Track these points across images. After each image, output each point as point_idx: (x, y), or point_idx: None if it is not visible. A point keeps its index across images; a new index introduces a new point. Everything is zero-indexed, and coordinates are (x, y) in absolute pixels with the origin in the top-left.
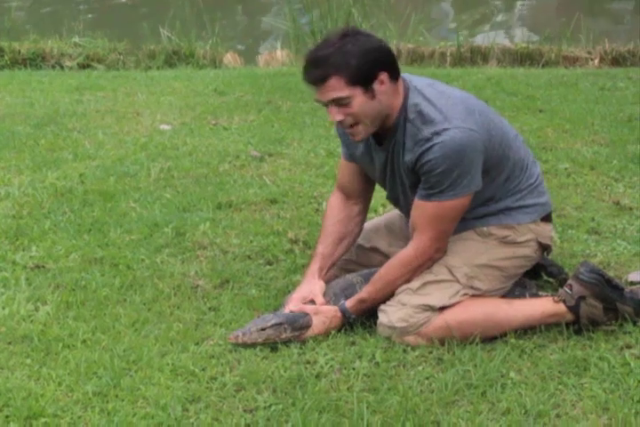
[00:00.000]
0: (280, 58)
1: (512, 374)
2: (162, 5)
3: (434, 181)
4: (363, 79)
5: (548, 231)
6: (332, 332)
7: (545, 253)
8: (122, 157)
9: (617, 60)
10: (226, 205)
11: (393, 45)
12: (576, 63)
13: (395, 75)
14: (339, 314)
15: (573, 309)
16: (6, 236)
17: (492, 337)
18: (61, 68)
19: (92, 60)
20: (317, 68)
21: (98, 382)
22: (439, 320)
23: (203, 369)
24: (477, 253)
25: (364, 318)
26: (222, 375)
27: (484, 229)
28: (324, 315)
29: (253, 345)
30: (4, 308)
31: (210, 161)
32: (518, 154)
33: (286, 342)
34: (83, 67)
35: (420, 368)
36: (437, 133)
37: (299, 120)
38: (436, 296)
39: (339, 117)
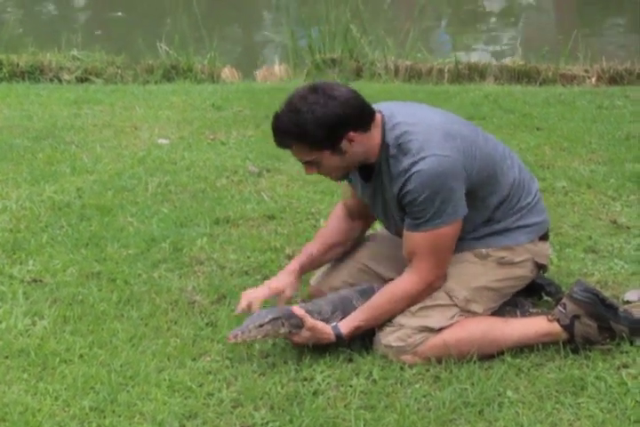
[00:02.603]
0: (278, 73)
1: (509, 393)
2: (159, 19)
3: (417, 211)
4: (326, 144)
5: (545, 250)
6: (329, 348)
7: (541, 272)
8: (119, 172)
9: (614, 79)
10: (223, 220)
11: (391, 62)
12: (573, 81)
13: (365, 126)
14: (332, 336)
15: (568, 328)
16: (3, 249)
17: (488, 355)
18: (59, 81)
19: (89, 74)
20: (279, 137)
21: (95, 398)
22: (436, 339)
23: (200, 385)
24: (475, 275)
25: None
26: (219, 391)
27: (483, 251)
28: (316, 330)
29: (253, 342)
30: (0, 322)
31: (207, 176)
32: (509, 174)
33: (283, 359)
34: (81, 80)
35: (418, 386)
36: (415, 163)
37: None
38: (435, 318)
39: (312, 172)
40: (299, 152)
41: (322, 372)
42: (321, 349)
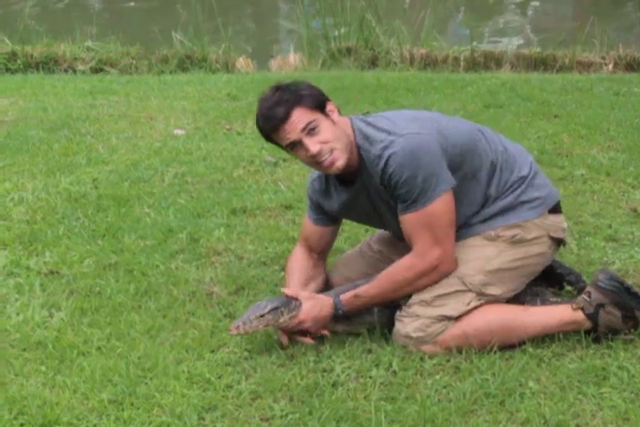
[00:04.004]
0: (293, 62)
1: (531, 384)
2: (174, 9)
3: (403, 193)
4: (319, 105)
5: (558, 224)
6: (349, 339)
7: (562, 246)
8: (135, 162)
9: (631, 66)
10: (240, 210)
11: (406, 50)
12: (590, 68)
13: (338, 110)
14: (330, 302)
15: (592, 316)
16: (20, 241)
17: (509, 345)
18: (74, 72)
19: (104, 65)
20: (278, 108)
21: (113, 390)
22: (456, 329)
23: (219, 377)
24: (489, 258)
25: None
26: (238, 383)
27: (492, 233)
28: (315, 300)
29: (255, 333)
30: (18, 314)
31: (224, 166)
32: (489, 147)
33: (302, 351)
34: (95, 71)
35: (438, 377)
36: (386, 147)
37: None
38: (452, 306)
39: (315, 147)
40: (298, 116)
41: (341, 363)
42: (340, 340)
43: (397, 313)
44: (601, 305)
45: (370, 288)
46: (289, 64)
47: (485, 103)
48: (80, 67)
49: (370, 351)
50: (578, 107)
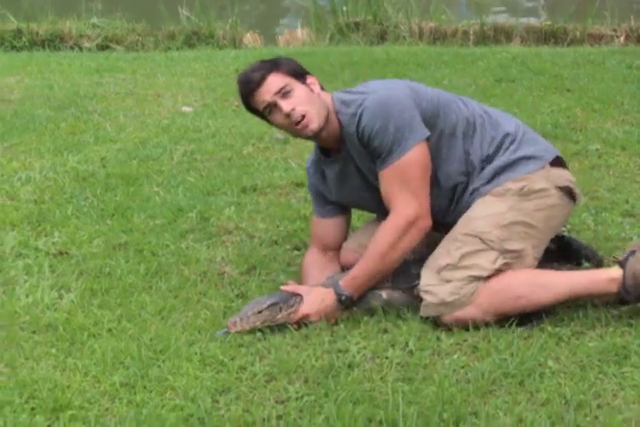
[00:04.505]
0: (301, 37)
1: (550, 363)
2: None
3: (377, 145)
4: (297, 74)
5: (564, 175)
6: (364, 318)
7: (575, 201)
8: (144, 140)
9: None
10: (250, 188)
11: (415, 24)
12: (601, 41)
13: (321, 86)
14: (331, 291)
15: (622, 263)
16: (28, 221)
17: (543, 304)
18: (80, 49)
19: (110, 42)
20: (255, 73)
21: (125, 373)
22: (486, 288)
23: (232, 359)
24: (501, 213)
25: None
26: (252, 365)
27: (499, 188)
28: (316, 292)
29: (252, 330)
30: (27, 296)
31: (233, 144)
32: (466, 108)
33: (317, 331)
34: (101, 48)
35: (455, 357)
36: (360, 104)
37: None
38: (479, 266)
39: (288, 107)
40: (273, 81)
41: (357, 343)
42: (355, 319)
43: (420, 288)
44: (633, 252)
45: (361, 264)
46: (297, 39)
47: (497, 77)
48: (86, 44)
49: (386, 331)
50: (590, 80)
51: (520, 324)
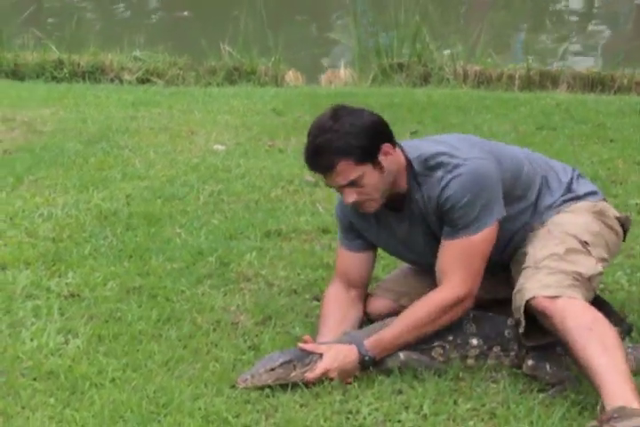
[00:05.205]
0: (343, 77)
1: None
2: (224, 20)
3: (457, 217)
4: (369, 156)
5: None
6: (378, 377)
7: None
8: (172, 178)
9: None
10: (275, 233)
11: (460, 67)
12: None
13: (394, 142)
14: (354, 349)
15: None
16: (44, 260)
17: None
18: (120, 81)
19: (151, 75)
20: (322, 157)
21: None
22: (578, 307)
23: (236, 416)
24: (587, 222)
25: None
26: (257, 424)
27: (569, 209)
28: (336, 350)
29: (263, 387)
30: (32, 340)
31: (262, 185)
32: (532, 170)
33: (328, 389)
34: (142, 81)
35: (471, 423)
36: (449, 171)
37: None
38: (583, 264)
39: (352, 199)
40: (343, 171)
41: (369, 404)
42: (369, 378)
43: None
44: None
45: (393, 328)
46: (339, 78)
47: (538, 125)
48: (126, 77)
49: (400, 392)
50: (635, 131)
51: (541, 390)
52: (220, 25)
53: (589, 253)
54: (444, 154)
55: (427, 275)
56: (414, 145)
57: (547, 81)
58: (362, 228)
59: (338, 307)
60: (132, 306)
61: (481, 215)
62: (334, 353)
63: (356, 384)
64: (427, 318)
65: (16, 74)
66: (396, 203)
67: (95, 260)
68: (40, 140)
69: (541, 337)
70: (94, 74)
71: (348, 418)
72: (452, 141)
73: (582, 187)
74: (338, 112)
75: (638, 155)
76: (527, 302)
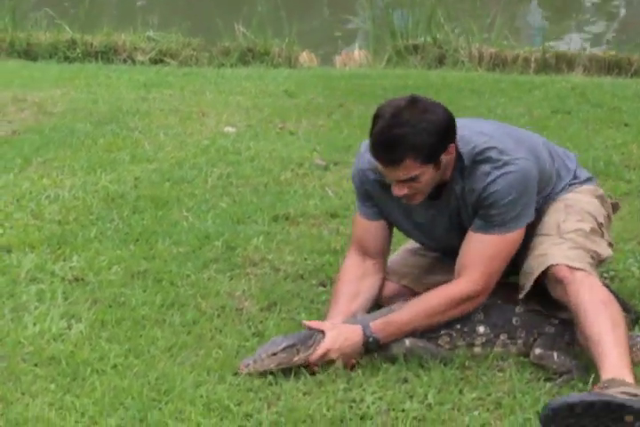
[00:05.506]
0: (358, 58)
1: None
2: (238, 0)
3: (496, 213)
4: (435, 157)
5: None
6: (383, 365)
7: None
8: (181, 161)
9: None
10: (283, 217)
11: (475, 49)
12: None
13: (455, 148)
14: (359, 330)
15: None
16: (49, 243)
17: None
18: (133, 62)
19: (164, 56)
20: (393, 150)
21: (123, 415)
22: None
23: (238, 404)
24: (597, 205)
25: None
26: (259, 412)
27: (575, 190)
28: (340, 329)
29: (265, 373)
30: (35, 324)
31: (272, 168)
32: (552, 163)
33: (332, 377)
34: (155, 62)
35: (476, 413)
36: (499, 167)
37: (369, 127)
38: (600, 246)
39: (404, 193)
40: (408, 167)
41: (373, 393)
42: (374, 365)
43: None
44: None
45: (402, 312)
46: (353, 60)
47: (553, 108)
48: (139, 57)
49: (405, 381)
50: None
51: (548, 379)
52: (234, 5)
53: (603, 235)
54: (494, 149)
55: (424, 256)
56: (465, 136)
57: (562, 64)
58: (378, 200)
59: (350, 280)
60: (136, 291)
61: (519, 215)
62: (337, 333)
63: (360, 372)
64: (438, 308)
65: (29, 54)
66: (432, 191)
67: (101, 243)
68: (50, 120)
69: (536, 304)
70: (107, 54)
71: (351, 407)
72: (497, 135)
73: (583, 173)
74: (416, 104)
75: None
76: (548, 267)
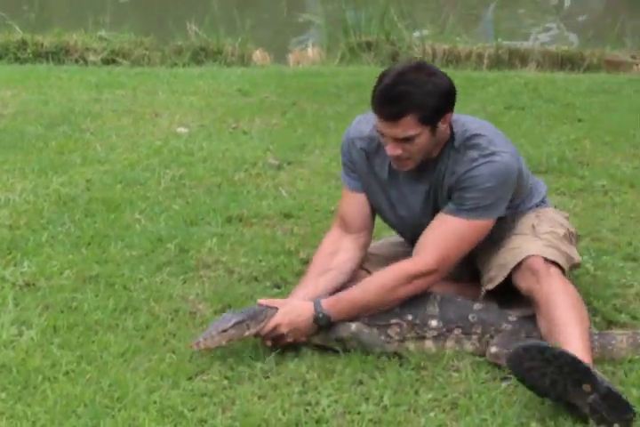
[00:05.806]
0: (311, 56)
1: (533, 425)
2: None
3: (470, 197)
4: (434, 120)
5: None
6: (338, 368)
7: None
8: (133, 163)
9: None
10: (236, 218)
11: (428, 46)
12: (619, 68)
13: (453, 110)
14: (310, 306)
15: None
16: None
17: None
18: (85, 62)
19: (116, 56)
20: (395, 105)
21: (76, 423)
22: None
23: (192, 409)
24: (559, 219)
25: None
26: (213, 418)
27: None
28: (292, 305)
29: (217, 349)
30: None
31: (225, 168)
32: (532, 180)
33: (287, 380)
34: (107, 62)
35: (432, 415)
36: (485, 156)
37: (323, 125)
38: (572, 251)
39: (397, 152)
40: (406, 124)
41: (328, 396)
42: (329, 368)
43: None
44: None
45: (353, 289)
46: (307, 58)
47: (506, 104)
48: (91, 57)
49: (361, 383)
50: (603, 110)
51: (504, 378)
52: (186, 4)
53: (572, 243)
54: (484, 136)
55: (401, 246)
56: (460, 120)
57: (516, 59)
58: (360, 173)
59: (323, 256)
60: (88, 295)
61: (491, 205)
62: (288, 309)
63: (315, 375)
64: (388, 283)
65: None
66: (419, 165)
67: (52, 248)
68: (0, 122)
69: (495, 302)
70: (58, 55)
71: (307, 410)
72: (489, 129)
73: (550, 201)
74: (422, 67)
75: (606, 135)
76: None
